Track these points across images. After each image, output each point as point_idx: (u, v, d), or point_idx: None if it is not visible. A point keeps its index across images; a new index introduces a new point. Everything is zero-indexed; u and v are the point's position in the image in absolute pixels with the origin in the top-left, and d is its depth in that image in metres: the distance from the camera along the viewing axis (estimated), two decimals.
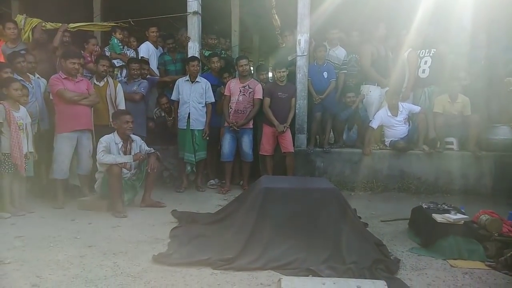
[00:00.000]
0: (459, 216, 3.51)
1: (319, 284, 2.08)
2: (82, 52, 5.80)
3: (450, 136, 5.67)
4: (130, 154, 4.63)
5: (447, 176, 5.48)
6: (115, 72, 6.00)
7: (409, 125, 5.75)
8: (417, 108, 5.71)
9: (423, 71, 5.86)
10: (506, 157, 5.35)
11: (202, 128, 5.57)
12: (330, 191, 3.46)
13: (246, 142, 5.58)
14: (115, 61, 6.08)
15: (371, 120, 5.74)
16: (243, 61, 5.64)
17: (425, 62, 5.86)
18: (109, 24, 6.34)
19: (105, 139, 4.55)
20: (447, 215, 3.55)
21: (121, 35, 6.27)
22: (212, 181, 5.83)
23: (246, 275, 2.88)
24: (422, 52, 5.88)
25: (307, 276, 2.84)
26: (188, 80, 5.59)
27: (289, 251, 3.08)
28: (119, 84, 5.43)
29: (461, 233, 3.34)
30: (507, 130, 5.46)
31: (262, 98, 5.58)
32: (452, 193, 5.35)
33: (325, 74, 5.81)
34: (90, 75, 5.62)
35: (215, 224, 3.70)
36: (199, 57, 5.92)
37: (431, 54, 5.83)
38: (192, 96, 5.53)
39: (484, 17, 5.61)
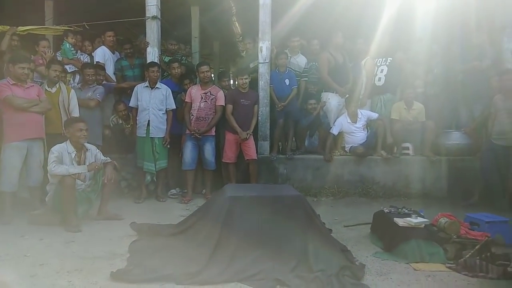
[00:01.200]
0: (420, 219, 3.61)
1: None
2: (33, 56, 5.47)
3: (406, 141, 5.88)
4: (84, 164, 4.38)
5: (404, 180, 5.67)
6: (67, 78, 5.70)
7: (367, 132, 5.90)
8: (375, 115, 5.88)
9: (379, 79, 6.06)
10: (459, 161, 5.61)
11: (163, 136, 5.39)
12: (295, 198, 3.43)
13: (209, 150, 5.47)
14: (67, 67, 5.78)
15: (331, 127, 5.84)
16: (204, 68, 5.54)
17: (382, 71, 6.06)
18: (62, 28, 6.02)
19: (57, 149, 4.27)
20: (408, 219, 3.64)
21: (73, 39, 5.99)
22: (173, 191, 5.66)
23: None
24: (379, 60, 6.08)
25: (275, 286, 2.78)
26: (147, 86, 5.41)
27: (256, 261, 3.01)
28: (72, 90, 5.16)
29: (422, 236, 3.43)
30: (459, 135, 5.74)
31: (224, 104, 5.50)
32: (410, 197, 5.53)
33: (287, 81, 5.85)
34: (41, 81, 5.29)
35: (178, 236, 3.55)
36: (158, 62, 5.75)
37: (387, 63, 6.04)
38: (152, 103, 5.35)
39: (438, 27, 5.88)
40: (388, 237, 3.64)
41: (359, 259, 3.35)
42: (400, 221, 3.60)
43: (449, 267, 3.17)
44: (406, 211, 3.90)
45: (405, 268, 3.19)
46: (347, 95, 5.97)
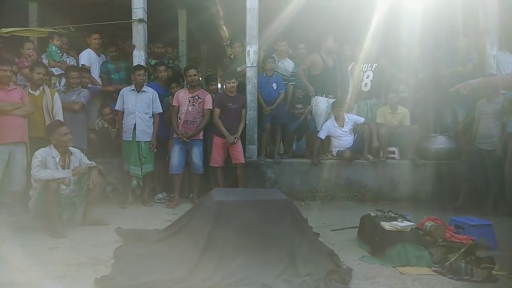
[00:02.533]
0: (406, 223, 3.64)
1: None
2: (17, 59, 5.37)
3: (392, 145, 5.94)
4: (69, 168, 4.29)
5: (390, 184, 5.72)
6: (52, 81, 5.61)
7: (354, 136, 5.95)
8: (361, 119, 5.94)
9: (365, 84, 6.13)
10: (443, 165, 5.69)
11: (149, 140, 5.34)
12: (283, 202, 3.42)
13: (196, 154, 5.43)
14: (53, 69, 5.69)
15: (319, 131, 5.86)
16: (192, 71, 5.52)
17: (367, 76, 6.13)
18: (47, 30, 5.93)
19: (41, 153, 4.18)
20: (394, 222, 3.67)
21: (59, 42, 5.90)
22: (160, 195, 5.59)
23: None
24: (365, 66, 6.14)
25: None
26: (133, 89, 5.36)
27: (243, 266, 2.98)
28: (56, 93, 5.07)
29: (409, 240, 3.45)
30: (443, 139, 5.82)
31: (212, 108, 5.48)
32: (396, 200, 5.58)
33: (274, 85, 5.87)
34: (25, 84, 5.19)
35: (164, 241, 3.50)
36: (145, 65, 5.71)
37: (372, 69, 6.10)
38: (138, 106, 5.29)
39: (423, 31, 5.97)
40: (375, 241, 3.66)
41: (346, 263, 3.35)
42: (386, 225, 3.62)
43: (435, 271, 3.20)
44: (392, 214, 3.93)
45: (391, 272, 3.21)
46: (334, 100, 6.00)
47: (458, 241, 3.44)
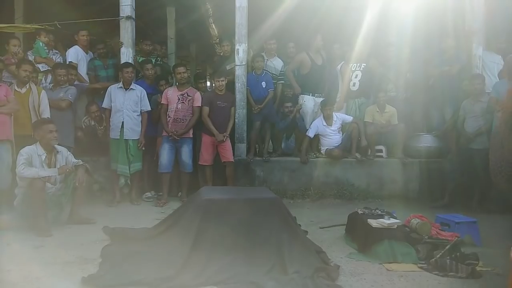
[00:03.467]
0: (392, 220, 3.69)
1: None
2: (1, 57, 5.27)
3: (380, 144, 6.00)
4: (55, 166, 4.24)
5: (378, 182, 5.78)
6: (39, 78, 5.53)
7: (342, 134, 5.99)
8: (349, 118, 5.98)
9: (354, 84, 6.17)
10: (429, 163, 5.76)
11: (137, 138, 5.30)
12: (271, 200, 3.44)
13: (186, 152, 5.42)
14: (40, 66, 5.61)
15: (308, 129, 5.89)
16: (181, 69, 5.50)
17: (356, 76, 6.17)
18: (33, 26, 5.83)
19: (26, 151, 4.12)
20: (381, 220, 3.71)
21: (46, 38, 5.81)
22: (148, 194, 5.56)
23: None
24: (354, 66, 6.17)
25: None
26: (121, 87, 5.31)
27: (231, 265, 2.99)
28: (43, 91, 5.00)
29: (395, 237, 3.50)
30: (430, 138, 5.90)
31: (201, 106, 5.46)
32: (383, 198, 5.63)
33: (263, 84, 5.88)
34: (11, 81, 5.10)
35: (152, 240, 3.48)
36: (133, 63, 5.66)
37: (361, 69, 6.14)
38: (126, 104, 5.25)
39: (411, 32, 6.03)
40: (362, 238, 3.70)
41: (334, 260, 3.38)
42: (373, 222, 3.66)
43: (420, 267, 3.25)
44: (379, 212, 3.98)
45: (378, 269, 3.25)
46: (322, 99, 6.03)
47: (444, 238, 3.50)
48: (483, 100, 5.19)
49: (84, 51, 6.03)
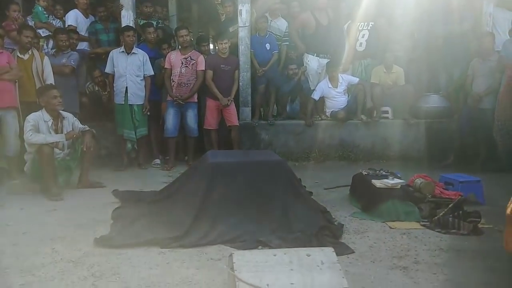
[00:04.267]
0: (396, 180, 3.73)
1: (270, 256, 2.09)
2: (3, 22, 5.20)
3: (386, 105, 5.94)
4: (61, 132, 4.29)
5: (383, 143, 5.77)
6: (40, 44, 5.46)
7: (348, 96, 5.93)
8: (355, 80, 5.89)
9: (360, 44, 6.01)
10: (435, 124, 5.73)
11: (142, 103, 5.29)
12: (276, 163, 3.48)
13: (191, 117, 5.42)
14: (40, 31, 5.53)
15: (313, 91, 5.83)
16: (183, 32, 5.38)
17: (363, 36, 6.00)
18: None
19: (33, 117, 4.16)
20: (385, 180, 3.75)
21: (45, 3, 5.70)
22: (157, 161, 5.54)
23: (195, 251, 2.83)
24: (361, 25, 6.00)
25: (257, 247, 2.86)
26: (123, 51, 5.24)
27: (238, 225, 3.07)
28: (45, 57, 4.97)
29: (398, 196, 3.55)
30: (437, 98, 5.82)
31: (205, 69, 5.40)
32: (388, 159, 5.65)
33: (268, 46, 5.76)
34: (13, 47, 5.06)
35: (161, 202, 3.57)
36: (134, 26, 5.55)
37: (368, 28, 5.97)
38: (129, 69, 5.20)
39: None
40: (366, 198, 3.76)
41: (338, 219, 3.46)
42: (377, 183, 3.70)
43: (423, 225, 3.32)
44: (384, 173, 4.01)
45: (381, 227, 3.32)
46: (327, 60, 5.91)
47: (447, 197, 3.55)
48: (492, 59, 5.08)
49: (83, 15, 5.91)
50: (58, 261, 2.69)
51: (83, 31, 5.86)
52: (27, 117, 4.17)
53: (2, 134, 4.47)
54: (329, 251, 2.15)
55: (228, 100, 5.40)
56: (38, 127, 4.16)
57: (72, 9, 5.89)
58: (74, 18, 5.80)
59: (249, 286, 1.90)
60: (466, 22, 5.64)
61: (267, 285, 1.92)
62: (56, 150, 4.21)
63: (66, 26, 5.72)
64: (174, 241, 2.92)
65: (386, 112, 5.95)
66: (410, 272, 2.55)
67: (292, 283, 1.95)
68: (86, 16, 5.96)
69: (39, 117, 4.21)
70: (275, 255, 2.10)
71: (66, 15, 5.84)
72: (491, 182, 4.29)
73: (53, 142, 4.14)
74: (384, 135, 5.77)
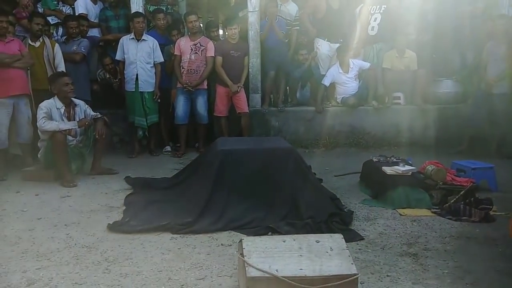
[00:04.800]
0: (407, 167, 3.70)
1: (279, 242, 2.11)
2: (14, 9, 5.22)
3: (398, 91, 5.85)
4: (74, 119, 4.34)
5: (394, 130, 5.70)
6: (51, 31, 5.49)
7: (359, 82, 5.85)
8: (367, 65, 5.80)
9: (372, 28, 5.89)
10: (448, 109, 5.64)
11: (152, 90, 5.31)
12: (286, 150, 3.47)
13: (201, 104, 5.42)
14: (50, 19, 5.54)
15: (323, 77, 5.77)
16: (193, 17, 5.35)
17: (375, 19, 5.87)
18: None
19: (45, 105, 4.21)
20: (396, 167, 3.74)
21: None
22: (167, 148, 5.59)
23: (206, 237, 2.87)
24: (373, 8, 5.87)
25: (267, 233, 2.89)
26: (133, 38, 5.24)
27: (248, 211, 3.10)
28: (56, 44, 5.00)
29: (409, 183, 3.53)
30: (450, 83, 5.72)
31: (214, 56, 5.37)
32: (399, 146, 5.59)
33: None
34: (24, 35, 5.09)
35: (172, 189, 3.63)
36: (143, 12, 5.53)
37: (381, 11, 5.83)
38: (139, 56, 5.21)
39: None
40: (376, 185, 3.75)
41: (348, 206, 3.46)
42: (388, 170, 3.68)
43: (434, 212, 3.30)
44: (395, 159, 3.99)
45: (391, 214, 3.32)
46: (339, 44, 5.83)
47: (459, 183, 3.51)
48: (507, 43, 4.93)
49: (92, 1, 5.91)
50: (73, 246, 2.76)
51: (92, 18, 5.87)
52: (40, 105, 4.22)
53: (15, 121, 4.54)
54: (338, 238, 2.16)
55: (238, 87, 5.38)
56: (51, 115, 4.21)
57: None
58: (84, 5, 5.79)
59: (259, 271, 1.93)
60: (480, 2, 5.46)
61: (276, 270, 1.94)
62: (69, 137, 4.27)
63: (77, 14, 5.72)
64: (185, 227, 2.96)
65: (398, 98, 5.86)
66: (420, 259, 2.55)
67: (301, 269, 1.96)
68: (95, 3, 5.96)
69: (52, 105, 4.26)
70: (284, 241, 2.12)
71: (76, 2, 5.85)
72: (504, 169, 4.24)
73: (66, 130, 4.19)
74: (395, 121, 5.70)
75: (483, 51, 5.16)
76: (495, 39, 5.04)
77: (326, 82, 5.73)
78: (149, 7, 5.94)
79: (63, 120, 4.27)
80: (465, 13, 5.52)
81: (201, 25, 6.10)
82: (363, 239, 2.84)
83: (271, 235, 2.85)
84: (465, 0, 5.58)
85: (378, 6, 5.84)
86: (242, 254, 2.05)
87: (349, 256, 2.07)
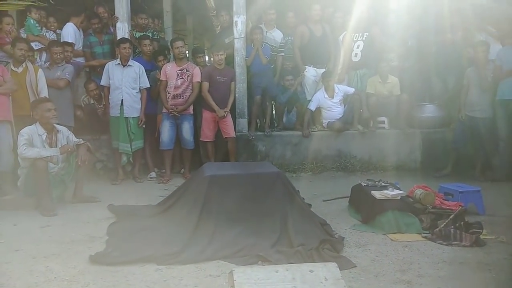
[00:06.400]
0: (396, 191, 3.69)
1: (272, 272, 2.03)
2: None
3: (382, 115, 5.94)
4: (56, 146, 4.22)
5: (380, 154, 5.75)
6: (34, 56, 5.42)
7: (344, 107, 5.92)
8: (351, 90, 5.89)
9: (356, 55, 6.02)
10: (432, 133, 5.73)
11: (137, 116, 5.25)
12: (274, 175, 3.43)
13: (187, 129, 5.38)
14: (33, 44, 5.48)
15: (309, 102, 5.82)
16: (179, 43, 5.38)
17: (358, 46, 6.01)
18: (24, 3, 5.66)
19: (26, 131, 4.09)
20: (385, 191, 3.72)
21: (37, 15, 5.67)
22: (152, 174, 5.49)
23: (193, 267, 2.76)
24: (356, 35, 6.02)
25: (257, 262, 2.80)
26: (119, 63, 5.21)
27: (236, 239, 3.02)
28: (40, 70, 4.92)
29: (399, 207, 3.51)
30: (432, 108, 5.84)
31: (201, 81, 5.37)
32: (385, 170, 5.62)
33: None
34: (7, 60, 5.01)
35: (157, 217, 3.51)
36: (129, 38, 5.53)
37: (363, 38, 5.98)
38: (125, 81, 5.17)
39: None
40: (366, 210, 3.72)
41: (338, 232, 3.41)
42: (377, 194, 3.66)
43: (424, 237, 3.27)
44: (383, 183, 3.98)
45: (382, 239, 3.27)
46: (324, 70, 5.92)
47: (448, 207, 3.51)
48: (488, 68, 5.09)
49: (76, 27, 5.89)
50: (52, 279, 2.61)
51: (76, 44, 5.82)
52: (21, 131, 4.10)
53: None
54: (332, 267, 2.09)
55: (225, 112, 5.37)
56: (32, 141, 4.09)
57: (66, 22, 5.85)
58: (73, 34, 5.74)
59: None
60: (459, 30, 5.66)
61: None
62: (50, 164, 4.14)
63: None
64: (171, 257, 2.85)
65: (383, 122, 5.95)
66: (414, 286, 2.50)
67: None
68: (78, 29, 5.94)
69: (33, 131, 4.14)
70: (277, 272, 2.04)
71: (62, 32, 5.80)
72: (490, 192, 4.28)
73: (47, 156, 4.07)
74: (380, 145, 5.75)
75: (464, 77, 5.31)
76: (476, 65, 5.19)
77: (312, 106, 5.78)
78: (135, 33, 5.95)
79: (44, 146, 4.14)
80: (446, 40, 5.69)
81: (187, 51, 6.12)
82: (355, 266, 2.78)
83: (262, 264, 2.76)
84: (445, 26, 5.75)
85: (360, 34, 5.98)
86: (233, 286, 1.96)
87: (345, 286, 2.00)
